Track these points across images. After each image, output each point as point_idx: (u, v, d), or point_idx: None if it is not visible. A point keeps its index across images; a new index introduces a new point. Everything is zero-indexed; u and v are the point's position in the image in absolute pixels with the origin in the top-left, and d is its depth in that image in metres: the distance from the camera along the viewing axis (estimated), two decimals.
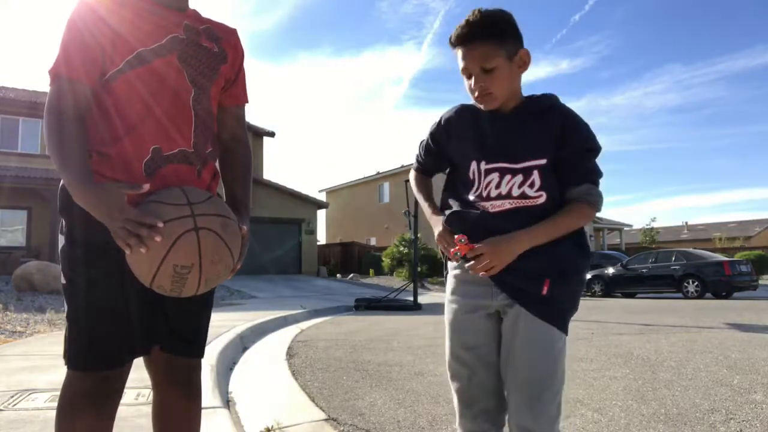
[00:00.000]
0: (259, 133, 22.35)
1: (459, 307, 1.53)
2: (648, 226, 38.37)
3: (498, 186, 1.45)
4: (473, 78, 1.43)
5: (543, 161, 1.43)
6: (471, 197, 1.49)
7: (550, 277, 1.40)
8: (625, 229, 35.94)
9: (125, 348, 1.34)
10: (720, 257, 16.04)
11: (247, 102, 1.61)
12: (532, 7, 76.28)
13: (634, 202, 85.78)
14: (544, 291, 1.40)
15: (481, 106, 1.49)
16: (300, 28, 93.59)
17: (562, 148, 1.43)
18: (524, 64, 1.45)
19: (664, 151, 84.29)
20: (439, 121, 1.59)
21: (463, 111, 1.55)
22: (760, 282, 16.79)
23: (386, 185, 31.78)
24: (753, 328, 6.72)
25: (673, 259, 15.51)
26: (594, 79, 79.77)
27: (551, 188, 1.44)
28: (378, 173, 32.78)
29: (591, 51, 77.31)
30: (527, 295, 1.42)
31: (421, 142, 1.68)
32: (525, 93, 1.51)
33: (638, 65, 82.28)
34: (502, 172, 1.45)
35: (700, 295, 14.30)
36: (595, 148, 1.47)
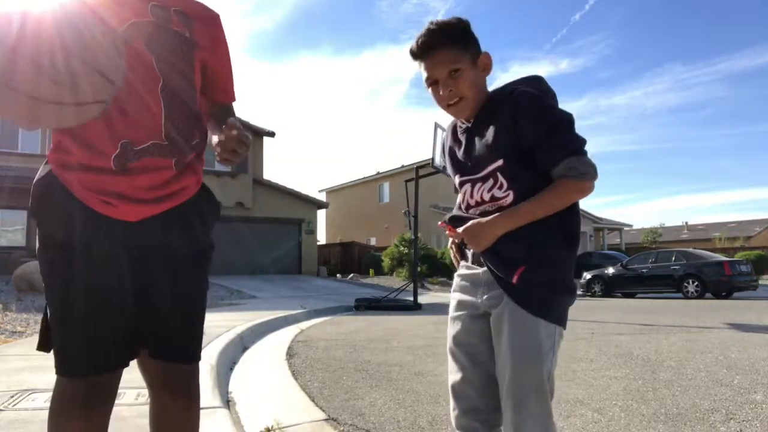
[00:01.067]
0: (259, 133, 22.34)
1: (455, 304, 1.56)
2: (653, 227, 38.45)
3: (472, 195, 1.49)
4: (440, 84, 1.44)
5: (500, 162, 1.41)
6: (463, 207, 1.56)
7: (525, 265, 1.36)
8: (625, 229, 35.93)
9: (110, 354, 1.27)
10: (720, 257, 16.05)
11: (233, 100, 1.50)
12: (532, 6, 76.34)
13: (634, 202, 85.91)
14: (514, 279, 1.36)
15: (452, 117, 1.52)
16: (300, 28, 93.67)
17: (523, 137, 1.37)
18: (487, 67, 1.47)
19: (664, 150, 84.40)
20: (447, 130, 1.65)
21: (449, 127, 1.62)
22: (760, 282, 16.80)
23: (386, 185, 31.77)
24: (753, 328, 6.72)
25: (673, 259, 15.51)
26: (594, 79, 79.93)
27: (519, 185, 1.40)
28: (378, 173, 32.77)
29: (591, 50, 77.44)
30: (503, 282, 1.40)
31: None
32: None
33: (638, 65, 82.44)
34: (473, 182, 1.49)
35: (700, 295, 14.30)
36: (561, 121, 1.37)
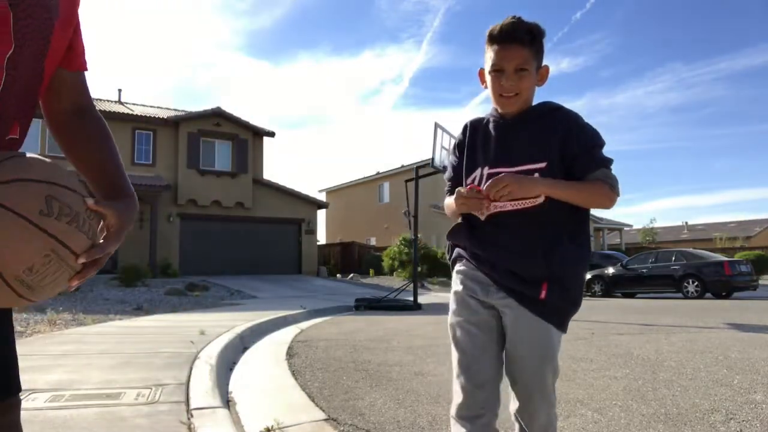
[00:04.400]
0: (259, 133, 22.34)
1: (461, 301, 1.61)
2: (648, 226, 38.53)
3: None
4: (505, 75, 1.50)
5: (542, 164, 1.49)
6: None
7: (549, 282, 1.46)
8: (625, 229, 35.93)
9: None
10: (720, 257, 16.03)
11: (87, 69, 1.14)
12: (532, 4, 76.38)
13: (634, 202, 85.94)
14: (542, 295, 1.46)
15: (499, 108, 1.57)
16: (299, 27, 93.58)
17: (570, 147, 1.49)
18: (543, 78, 1.58)
19: (664, 150, 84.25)
20: (463, 129, 1.69)
21: (477, 122, 1.67)
22: (760, 282, 16.78)
23: (386, 185, 31.78)
24: (753, 328, 6.72)
25: (673, 259, 15.51)
26: (595, 78, 79.80)
27: None
28: (378, 173, 32.78)
29: (592, 50, 77.35)
30: (526, 297, 1.49)
31: (449, 163, 1.76)
32: None
33: (639, 64, 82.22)
34: None
35: (700, 295, 14.30)
36: (603, 144, 1.54)
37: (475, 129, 1.65)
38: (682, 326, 7.00)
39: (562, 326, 1.51)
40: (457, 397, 1.55)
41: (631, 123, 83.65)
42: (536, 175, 1.49)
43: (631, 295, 15.84)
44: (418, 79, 74.93)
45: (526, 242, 1.48)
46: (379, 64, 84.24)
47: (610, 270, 16.52)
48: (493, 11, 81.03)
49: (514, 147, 1.54)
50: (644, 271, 15.67)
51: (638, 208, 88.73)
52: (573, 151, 1.49)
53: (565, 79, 76.14)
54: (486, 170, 1.56)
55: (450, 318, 1.62)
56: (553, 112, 1.56)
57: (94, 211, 0.87)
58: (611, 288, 16.14)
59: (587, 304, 12.49)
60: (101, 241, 0.90)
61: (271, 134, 22.72)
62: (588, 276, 16.87)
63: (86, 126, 1.11)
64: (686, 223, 49.47)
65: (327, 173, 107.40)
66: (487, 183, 1.45)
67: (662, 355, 4.75)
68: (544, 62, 1.56)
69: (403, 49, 78.15)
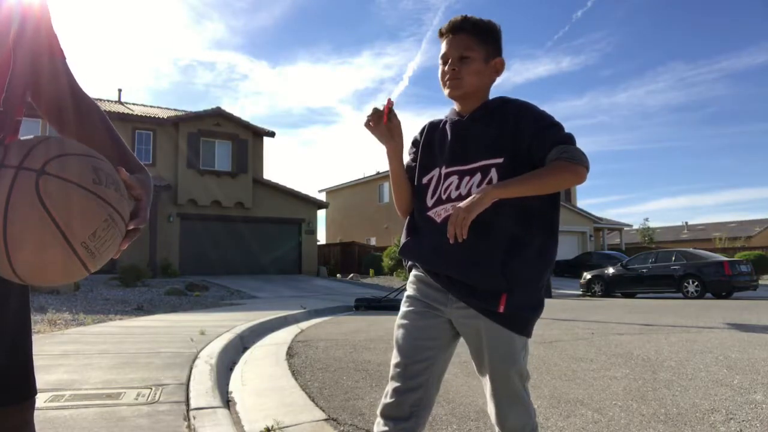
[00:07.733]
0: (259, 133, 22.35)
1: (412, 303, 1.59)
2: (644, 226, 38.63)
3: (458, 187, 1.52)
4: (449, 62, 1.54)
5: (499, 160, 1.47)
6: (429, 202, 1.58)
7: (507, 293, 1.43)
8: (625, 229, 35.95)
9: None
10: (720, 257, 16.04)
11: (65, 57, 1.11)
12: (533, 3, 76.42)
13: (634, 202, 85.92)
14: (501, 308, 1.43)
15: (445, 93, 1.58)
16: (298, 26, 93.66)
17: (522, 137, 1.45)
18: (497, 71, 1.58)
19: (665, 150, 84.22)
20: (422, 128, 1.71)
21: (436, 122, 1.67)
22: (760, 282, 16.78)
23: (386, 185, 31.77)
24: (753, 328, 6.73)
25: (673, 259, 15.52)
26: (596, 77, 79.68)
27: None
28: (378, 173, 32.77)
29: (593, 48, 77.23)
30: (485, 310, 1.45)
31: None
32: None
33: (641, 63, 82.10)
34: (461, 174, 1.52)
35: (700, 295, 14.30)
36: (556, 123, 1.48)
37: (433, 128, 1.65)
38: (682, 326, 7.00)
39: (525, 332, 1.47)
40: (387, 396, 1.50)
41: (631, 122, 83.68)
42: (493, 170, 1.46)
43: (631, 295, 15.85)
44: (418, 78, 74.99)
45: (481, 254, 1.44)
46: (379, 63, 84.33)
47: (610, 270, 16.54)
48: (492, 9, 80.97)
49: (470, 144, 1.53)
50: (644, 271, 15.68)
51: (638, 208, 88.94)
52: (527, 140, 1.44)
53: (566, 79, 76.27)
54: (443, 170, 1.55)
55: (397, 320, 1.59)
56: (504, 105, 1.54)
57: (125, 180, 0.91)
58: (611, 288, 16.15)
59: (587, 304, 12.54)
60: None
61: (271, 134, 22.72)
62: (588, 276, 16.91)
63: (77, 107, 1.10)
64: (686, 223, 49.51)
65: (327, 173, 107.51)
66: (447, 227, 1.36)
67: (662, 355, 4.75)
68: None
69: (403, 47, 78.27)
